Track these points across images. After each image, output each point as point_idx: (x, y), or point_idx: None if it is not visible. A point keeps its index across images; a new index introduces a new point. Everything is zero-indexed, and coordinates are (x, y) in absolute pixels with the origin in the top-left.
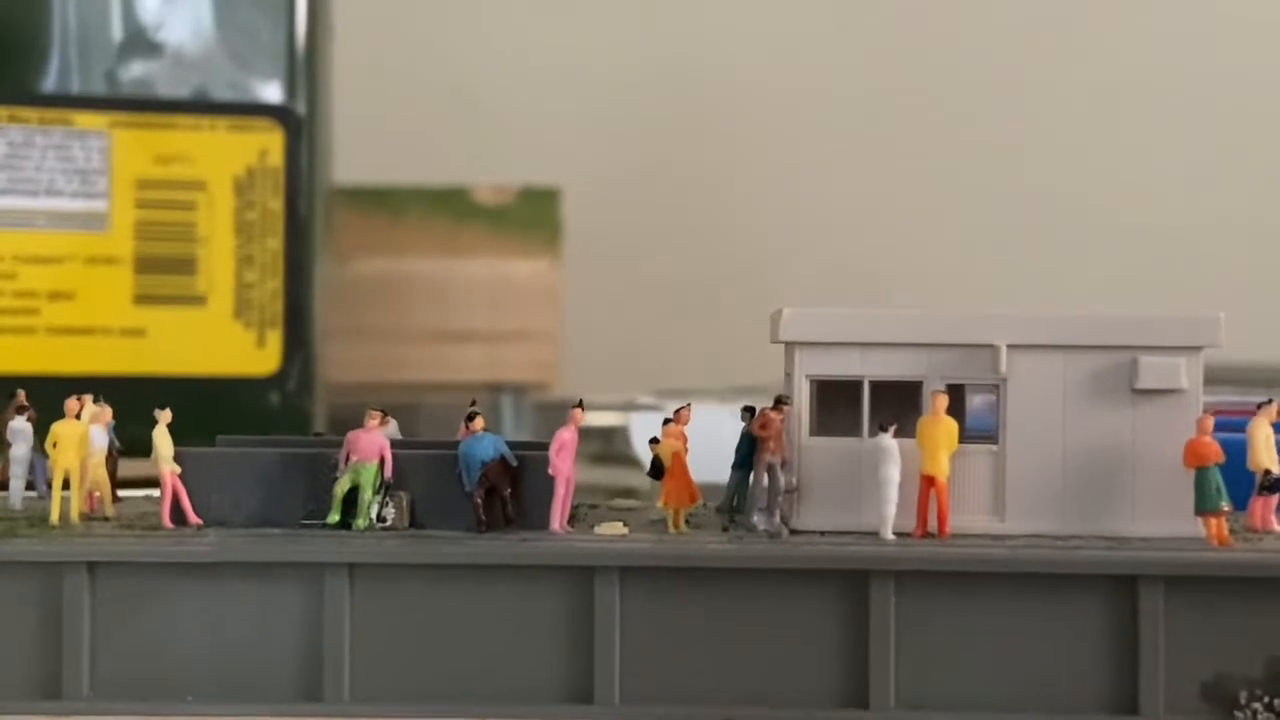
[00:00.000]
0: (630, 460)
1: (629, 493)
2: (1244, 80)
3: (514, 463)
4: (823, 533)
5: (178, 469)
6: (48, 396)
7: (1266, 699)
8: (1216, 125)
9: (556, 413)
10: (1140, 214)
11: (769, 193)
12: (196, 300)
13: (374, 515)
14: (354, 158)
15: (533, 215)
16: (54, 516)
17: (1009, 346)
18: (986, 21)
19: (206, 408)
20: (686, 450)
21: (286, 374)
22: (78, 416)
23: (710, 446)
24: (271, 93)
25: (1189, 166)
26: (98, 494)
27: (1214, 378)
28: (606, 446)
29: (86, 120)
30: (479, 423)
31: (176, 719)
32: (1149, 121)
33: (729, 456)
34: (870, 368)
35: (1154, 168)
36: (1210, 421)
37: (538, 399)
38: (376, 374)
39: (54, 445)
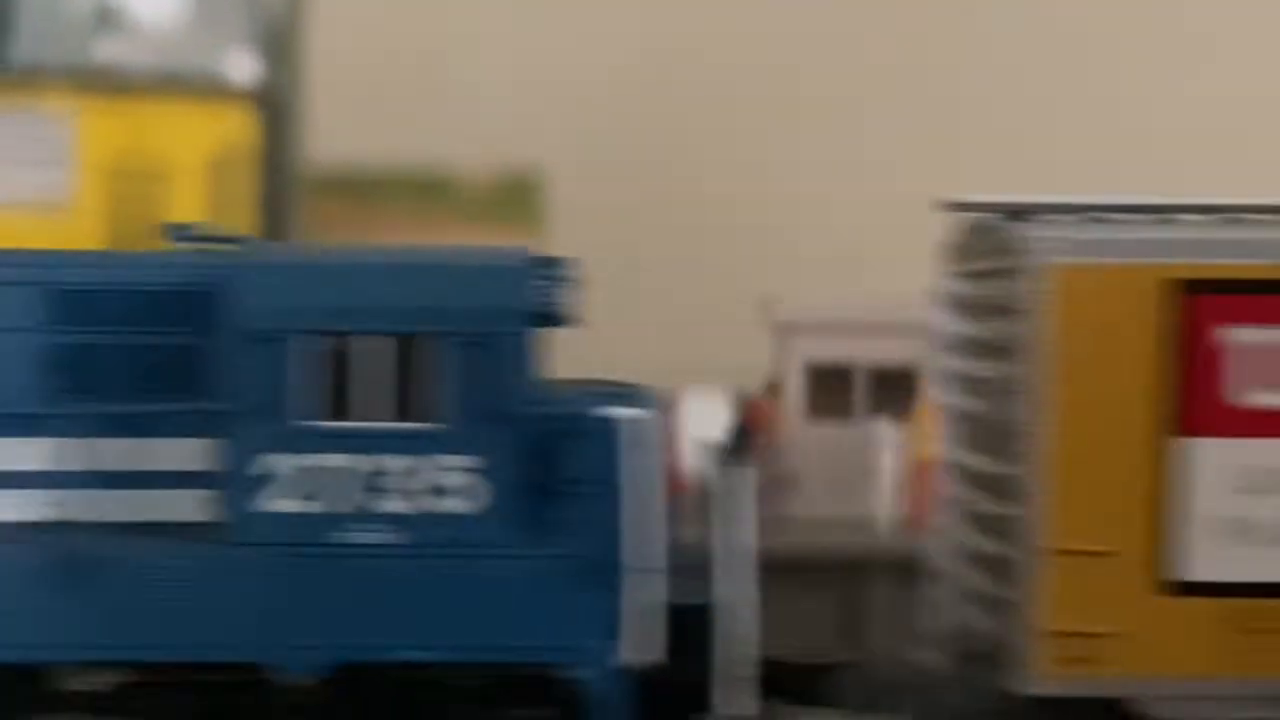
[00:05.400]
0: None
1: None
2: (1241, 66)
3: None
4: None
5: None
6: None
7: None
8: (1209, 110)
9: None
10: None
11: (762, 177)
12: None
13: None
14: (330, 140)
15: (514, 200)
16: None
17: None
18: (969, 8)
19: None
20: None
21: None
22: None
23: (697, 435)
24: (244, 72)
25: (1179, 153)
26: None
27: None
28: None
29: (52, 99)
30: None
31: None
32: (1141, 108)
33: None
34: (866, 352)
35: (1145, 154)
36: None
37: None
38: None
39: None
